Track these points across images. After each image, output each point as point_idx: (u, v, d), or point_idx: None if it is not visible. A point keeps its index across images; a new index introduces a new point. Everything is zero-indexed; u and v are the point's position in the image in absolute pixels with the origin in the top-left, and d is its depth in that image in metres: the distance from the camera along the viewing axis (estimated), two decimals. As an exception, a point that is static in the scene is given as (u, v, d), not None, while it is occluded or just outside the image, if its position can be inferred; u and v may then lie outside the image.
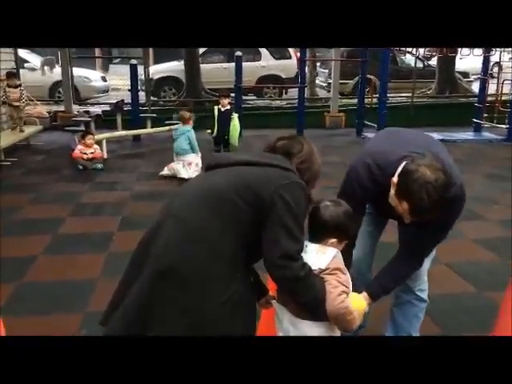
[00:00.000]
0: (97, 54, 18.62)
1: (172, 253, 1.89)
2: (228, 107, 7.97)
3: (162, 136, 9.84)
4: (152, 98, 12.83)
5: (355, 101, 12.48)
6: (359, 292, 2.44)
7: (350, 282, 2.16)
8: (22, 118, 9.38)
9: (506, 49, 12.34)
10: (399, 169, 2.25)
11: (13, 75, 9.23)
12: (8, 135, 8.94)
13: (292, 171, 2.04)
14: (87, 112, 10.71)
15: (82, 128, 9.47)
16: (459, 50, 13.09)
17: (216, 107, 7.92)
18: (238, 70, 10.77)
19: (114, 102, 11.46)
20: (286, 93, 16.54)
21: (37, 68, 13.71)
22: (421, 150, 2.38)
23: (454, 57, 14.83)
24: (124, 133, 9.96)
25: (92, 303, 3.73)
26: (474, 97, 13.09)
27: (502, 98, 11.52)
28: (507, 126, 10.76)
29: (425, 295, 2.89)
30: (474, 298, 3.98)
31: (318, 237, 2.15)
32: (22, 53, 13.36)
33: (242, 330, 1.93)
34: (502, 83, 11.49)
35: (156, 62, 18.69)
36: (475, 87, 14.96)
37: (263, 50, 16.16)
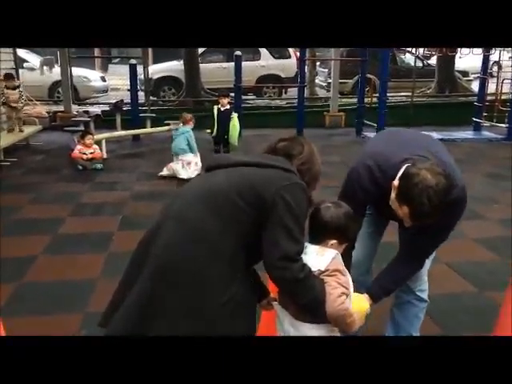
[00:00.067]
0: (96, 54, 18.63)
1: (172, 253, 1.89)
2: (227, 107, 7.96)
3: (162, 136, 9.83)
4: (151, 97, 12.82)
5: (355, 100, 12.47)
6: (360, 293, 2.44)
7: (351, 284, 2.16)
8: (21, 119, 9.37)
9: (506, 48, 12.33)
10: (400, 172, 2.25)
11: (11, 77, 9.19)
12: (7, 136, 8.93)
13: (293, 172, 2.03)
14: (86, 112, 10.71)
15: (82, 128, 9.45)
16: (459, 49, 13.09)
17: (215, 107, 7.91)
18: (238, 70, 10.76)
19: (114, 101, 11.46)
20: (285, 92, 16.55)
21: (36, 68, 13.69)
22: (422, 152, 2.37)
23: (454, 56, 14.84)
24: (123, 133, 9.96)
25: (92, 303, 3.72)
26: (474, 96, 13.09)
27: (502, 97, 11.52)
28: (507, 125, 10.76)
29: (425, 295, 2.88)
30: (474, 297, 3.98)
31: (318, 238, 2.14)
32: (21, 52, 13.35)
33: (242, 331, 1.93)
34: (502, 82, 11.49)
35: (155, 61, 18.67)
36: (475, 86, 14.95)
37: (263, 50, 16.15)
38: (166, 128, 9.52)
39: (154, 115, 10.95)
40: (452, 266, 4.42)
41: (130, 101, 10.87)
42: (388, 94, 11.01)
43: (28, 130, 9.62)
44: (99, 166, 7.96)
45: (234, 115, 7.93)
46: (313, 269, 2.00)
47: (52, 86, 14.58)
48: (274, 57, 16.35)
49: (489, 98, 12.05)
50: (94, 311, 3.34)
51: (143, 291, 1.89)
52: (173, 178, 7.31)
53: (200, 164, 7.45)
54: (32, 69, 13.88)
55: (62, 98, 12.29)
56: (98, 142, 8.46)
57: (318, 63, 17.23)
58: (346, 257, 2.25)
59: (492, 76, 13.13)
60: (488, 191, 6.82)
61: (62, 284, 4.09)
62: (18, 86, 9.22)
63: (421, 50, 14.24)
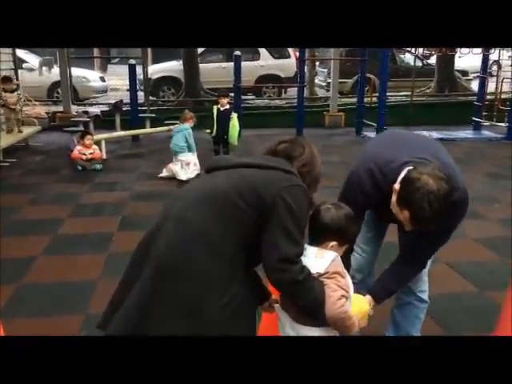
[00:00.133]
0: (95, 54, 18.63)
1: (173, 254, 1.89)
2: (227, 107, 7.94)
3: (161, 136, 9.83)
4: (151, 97, 12.83)
5: (354, 100, 12.47)
6: (363, 295, 2.44)
7: (351, 286, 2.15)
8: (20, 120, 9.36)
9: (506, 47, 12.34)
10: (401, 175, 2.24)
11: (8, 79, 9.14)
12: (6, 136, 8.92)
13: (294, 174, 2.03)
14: (86, 112, 10.69)
15: (81, 128, 9.45)
16: (458, 48, 13.09)
17: (215, 107, 7.89)
18: (237, 70, 10.77)
19: (113, 102, 11.46)
20: (285, 92, 16.55)
21: (35, 68, 13.68)
22: (423, 154, 2.36)
23: (453, 55, 14.86)
24: (123, 133, 9.95)
25: (92, 304, 3.71)
26: (474, 95, 13.10)
27: (502, 97, 11.52)
28: (507, 125, 10.76)
29: (425, 296, 2.88)
30: (475, 297, 3.97)
31: (318, 240, 2.13)
32: (21, 53, 13.34)
33: (242, 333, 1.92)
34: (502, 81, 11.49)
35: (154, 61, 18.66)
36: (474, 86, 14.96)
37: (262, 50, 16.14)
38: (166, 128, 9.52)
39: (153, 115, 10.96)
40: (452, 266, 4.42)
41: (129, 101, 10.87)
42: (388, 94, 11.02)
43: (27, 130, 9.61)
44: (99, 166, 7.95)
45: (234, 115, 7.92)
46: (312, 271, 1.99)
47: (51, 87, 14.56)
48: (273, 57, 16.35)
49: (488, 97, 12.06)
50: (94, 312, 3.34)
51: (143, 292, 1.89)
52: (172, 178, 7.31)
53: (199, 164, 7.44)
54: (31, 69, 13.88)
55: (62, 99, 12.29)
56: (98, 143, 8.45)
57: (317, 63, 17.24)
58: (345, 259, 2.25)
59: (492, 75, 13.13)
60: (488, 191, 6.82)
61: (62, 285, 4.09)
62: (16, 89, 9.19)
63: (420, 50, 14.24)
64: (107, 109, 11.63)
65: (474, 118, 11.56)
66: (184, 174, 7.26)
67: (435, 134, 10.73)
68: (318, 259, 2.06)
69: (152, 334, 1.84)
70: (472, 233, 5.09)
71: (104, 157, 8.53)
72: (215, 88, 13.57)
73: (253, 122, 10.96)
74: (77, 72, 13.81)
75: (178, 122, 8.17)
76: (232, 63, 11.29)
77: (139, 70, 11.71)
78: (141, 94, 11.99)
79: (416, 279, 2.75)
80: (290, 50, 16.24)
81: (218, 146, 7.95)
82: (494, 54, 12.29)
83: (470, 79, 17.68)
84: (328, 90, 14.35)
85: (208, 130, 7.99)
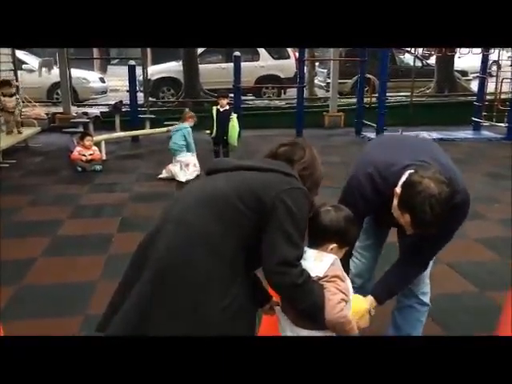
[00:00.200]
0: (95, 55, 18.63)
1: (173, 256, 1.88)
2: (227, 107, 7.93)
3: (161, 137, 9.82)
4: (150, 98, 12.83)
5: (354, 100, 12.48)
6: (364, 296, 2.43)
7: (350, 290, 2.15)
8: (19, 122, 9.34)
9: (505, 47, 12.34)
10: (402, 178, 2.23)
11: (7, 83, 9.12)
12: (6, 137, 8.92)
13: (294, 177, 2.02)
14: (85, 113, 10.69)
15: (81, 129, 9.44)
16: (458, 48, 13.09)
17: (214, 107, 7.88)
18: (237, 70, 10.77)
19: (113, 103, 11.46)
20: (284, 93, 16.55)
21: (35, 69, 13.67)
22: (423, 157, 2.36)
23: (453, 56, 14.86)
24: (123, 134, 9.95)
25: (92, 306, 3.71)
26: (473, 95, 13.10)
27: (501, 97, 11.52)
28: (506, 125, 10.76)
29: (427, 299, 2.86)
30: (475, 297, 3.97)
31: (317, 242, 2.12)
32: (20, 54, 13.34)
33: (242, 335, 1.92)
34: (501, 82, 11.49)
35: (154, 62, 18.66)
36: (474, 86, 14.96)
37: (262, 50, 16.15)
38: (165, 129, 9.51)
39: (153, 116, 10.95)
40: (452, 266, 4.42)
41: (129, 102, 10.86)
42: (387, 94, 11.01)
43: (27, 131, 9.61)
44: (98, 167, 7.95)
45: (234, 116, 7.91)
46: (311, 274, 1.98)
47: (51, 88, 14.55)
48: (273, 57, 16.34)
49: (488, 97, 12.05)
50: (94, 313, 3.33)
51: (143, 294, 1.88)
52: (172, 179, 7.30)
53: (198, 165, 7.44)
54: (31, 70, 13.86)
55: (61, 100, 12.30)
56: (98, 144, 8.45)
57: (317, 63, 17.24)
58: (345, 263, 2.24)
59: (491, 75, 13.12)
60: (488, 191, 6.81)
61: (62, 286, 4.08)
62: (15, 94, 9.18)
63: (420, 50, 14.24)
64: (107, 110, 11.62)
65: (473, 119, 11.55)
66: (183, 175, 7.26)
67: (435, 135, 10.73)
68: (317, 262, 2.05)
69: (152, 335, 1.84)
70: (472, 233, 5.09)
71: (104, 158, 8.54)
72: (215, 89, 13.54)
73: (252, 123, 10.94)
74: (76, 73, 13.81)
75: (177, 122, 8.17)
76: (231, 64, 11.28)
77: (139, 70, 11.70)
78: (140, 95, 11.98)
79: (417, 281, 2.74)
80: (290, 50, 16.24)
81: (217, 146, 7.94)
82: (494, 55, 12.28)
83: (470, 79, 17.67)
84: (328, 91, 14.34)
85: (208, 131, 7.98)
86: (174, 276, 1.86)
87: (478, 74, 12.33)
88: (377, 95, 10.98)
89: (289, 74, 15.91)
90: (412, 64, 13.90)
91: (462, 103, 13.44)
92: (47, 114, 11.41)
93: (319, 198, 2.22)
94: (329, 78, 14.06)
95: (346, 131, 11.54)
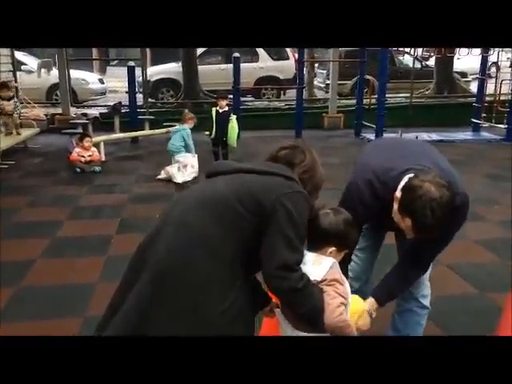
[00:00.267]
0: (94, 56, 18.62)
1: (173, 258, 1.87)
2: (226, 108, 7.93)
3: (160, 138, 9.81)
4: (150, 99, 12.82)
5: (354, 101, 12.48)
6: (365, 298, 2.43)
7: (349, 293, 2.14)
8: (18, 124, 9.32)
9: (504, 49, 12.34)
10: (402, 183, 2.23)
11: (5, 86, 9.09)
12: (5, 138, 8.90)
13: (295, 181, 2.01)
14: (85, 114, 10.68)
15: (80, 130, 9.44)
16: (457, 50, 13.10)
17: (214, 109, 7.88)
18: (236, 72, 10.76)
19: (112, 104, 11.45)
20: (284, 94, 16.55)
21: (34, 70, 13.67)
22: (422, 161, 2.36)
23: (452, 57, 14.86)
24: (122, 135, 9.94)
25: (91, 307, 3.70)
26: (473, 97, 13.11)
27: (501, 98, 11.53)
28: (506, 126, 10.76)
29: (427, 301, 2.85)
30: (475, 299, 3.96)
31: (316, 245, 2.11)
32: (19, 55, 13.34)
33: None
34: (501, 83, 11.49)
35: (153, 63, 18.66)
36: (473, 87, 14.96)
37: (261, 51, 16.15)
38: (165, 130, 9.51)
39: (152, 117, 10.94)
40: (452, 268, 4.41)
41: (128, 103, 10.85)
42: (387, 95, 11.01)
43: (26, 132, 9.60)
44: (97, 168, 7.95)
45: (233, 117, 7.91)
46: (310, 278, 1.97)
47: (50, 89, 14.55)
48: (272, 58, 16.34)
49: (487, 98, 12.06)
50: (93, 315, 3.32)
51: (143, 295, 1.88)
52: (170, 180, 7.30)
53: (197, 166, 7.44)
54: (30, 71, 13.86)
55: (60, 101, 12.28)
56: (97, 145, 8.44)
57: (316, 64, 17.24)
58: (343, 266, 2.23)
59: (490, 77, 13.13)
60: (488, 192, 6.81)
61: (61, 288, 4.07)
62: (13, 97, 9.16)
63: (419, 51, 14.24)
64: (106, 111, 11.62)
65: (473, 120, 11.56)
66: (181, 176, 7.25)
67: (434, 136, 10.75)
68: (316, 266, 2.04)
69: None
70: (472, 234, 5.08)
71: (103, 159, 8.53)
72: (214, 90, 13.54)
73: (252, 124, 10.95)
74: (76, 74, 13.79)
75: (177, 124, 8.16)
76: (231, 65, 11.28)
77: (138, 72, 11.68)
78: (140, 96, 11.96)
79: (417, 283, 2.73)
80: (289, 51, 16.25)
81: (217, 147, 7.94)
82: (493, 56, 12.28)
83: (469, 81, 17.68)
84: (327, 92, 14.35)
85: (207, 132, 7.97)
86: (173, 277, 1.85)
87: (477, 76, 12.34)
88: (376, 96, 10.98)
89: (288, 75, 15.91)
90: (411, 65, 13.90)
91: (461, 104, 13.44)
92: (46, 115, 11.41)
93: (319, 200, 2.21)
94: (328, 79, 14.07)
95: (346, 132, 11.53)
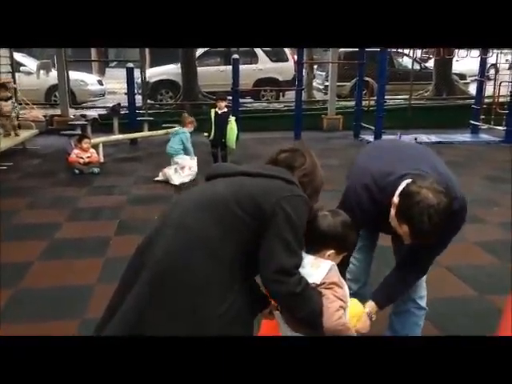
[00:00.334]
0: (93, 58, 18.61)
1: (172, 259, 1.87)
2: (225, 110, 7.93)
3: (159, 139, 9.80)
4: (149, 101, 12.81)
5: (353, 103, 12.49)
6: (365, 302, 2.42)
7: (348, 296, 2.13)
8: (16, 126, 9.30)
9: (503, 51, 12.37)
10: (400, 188, 2.22)
11: (3, 87, 9.06)
12: (3, 140, 8.87)
13: (295, 184, 2.00)
14: (83, 116, 10.67)
15: (79, 132, 9.42)
16: (456, 52, 13.12)
17: (213, 110, 7.88)
18: (235, 73, 10.76)
19: (111, 105, 11.44)
20: (283, 95, 16.56)
21: (33, 72, 13.66)
22: (420, 166, 2.36)
23: (451, 59, 14.88)
24: (121, 136, 9.93)
25: (90, 309, 3.69)
26: (471, 99, 13.12)
27: (499, 100, 11.54)
28: (504, 128, 10.77)
29: (424, 302, 2.86)
30: (474, 301, 3.95)
31: (315, 248, 2.10)
32: (18, 56, 13.33)
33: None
34: (499, 85, 11.50)
35: (152, 65, 18.67)
36: (472, 89, 14.97)
37: (260, 53, 16.17)
38: (164, 131, 9.51)
39: (151, 119, 10.94)
40: (452, 270, 4.40)
41: (127, 104, 10.84)
42: (386, 97, 11.02)
43: (24, 133, 9.58)
44: (96, 170, 7.93)
45: (232, 118, 7.91)
46: (308, 281, 1.96)
47: (49, 90, 14.54)
48: (271, 60, 16.36)
49: (486, 100, 12.06)
50: (91, 317, 3.30)
51: (141, 296, 1.87)
52: (168, 182, 7.29)
53: (195, 168, 7.43)
54: (29, 73, 13.86)
55: (59, 102, 12.27)
56: (95, 146, 8.43)
57: (315, 66, 17.25)
58: (342, 269, 2.22)
59: (489, 79, 13.14)
60: (487, 194, 6.80)
61: (60, 290, 4.06)
62: (11, 97, 9.14)
63: (418, 53, 14.26)
64: (105, 112, 11.62)
65: (471, 122, 11.57)
66: (177, 178, 7.24)
67: (433, 138, 10.76)
68: (315, 269, 2.03)
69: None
70: (471, 236, 5.07)
71: (101, 160, 8.51)
72: (213, 91, 13.55)
73: (251, 126, 10.95)
74: (74, 75, 13.79)
75: (176, 125, 8.15)
76: (230, 66, 11.27)
77: (137, 73, 11.68)
78: (139, 98, 11.95)
79: (415, 285, 2.73)
80: (288, 53, 16.26)
81: (215, 149, 7.94)
82: (492, 58, 12.30)
83: (468, 83, 17.70)
84: (326, 94, 14.35)
85: (206, 134, 7.97)
86: (172, 279, 1.84)
87: (476, 77, 12.35)
88: (375, 98, 10.99)
89: (287, 77, 15.91)
90: (410, 67, 13.92)
91: (460, 106, 13.45)
92: (45, 117, 11.40)
93: (318, 202, 2.20)
94: (327, 80, 14.07)
95: (345, 134, 11.53)
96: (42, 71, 13.01)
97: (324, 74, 16.50)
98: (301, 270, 1.96)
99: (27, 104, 10.88)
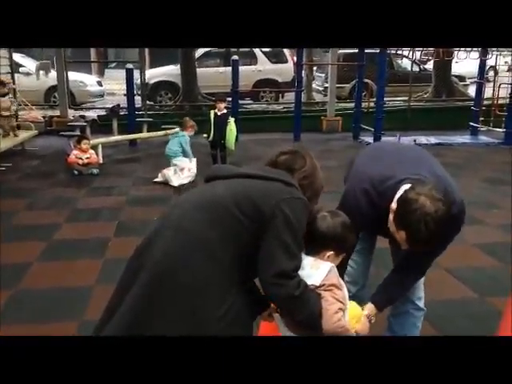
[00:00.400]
0: (92, 58, 18.60)
1: (171, 260, 1.86)
2: (224, 111, 7.93)
3: (158, 140, 9.80)
4: (148, 102, 12.81)
5: (352, 105, 12.49)
6: (364, 304, 2.42)
7: (347, 297, 2.12)
8: (14, 127, 9.28)
9: (502, 52, 12.39)
10: (398, 193, 2.22)
11: (1, 83, 9.03)
12: (2, 140, 8.86)
13: (295, 187, 1.99)
14: (83, 117, 10.68)
15: (78, 133, 9.42)
16: (455, 53, 13.13)
17: (212, 111, 7.88)
18: (235, 74, 10.76)
19: (110, 106, 11.43)
20: (282, 97, 16.55)
21: (32, 72, 13.65)
22: (419, 170, 2.35)
23: (450, 61, 14.88)
24: (120, 137, 9.93)
25: (88, 310, 3.68)
26: (471, 100, 13.13)
27: (499, 102, 11.55)
28: (504, 130, 10.78)
29: (422, 303, 2.85)
30: (474, 303, 3.95)
31: (314, 249, 2.09)
32: (17, 57, 13.32)
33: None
34: (499, 87, 11.52)
35: (152, 66, 18.67)
36: (471, 91, 14.98)
37: (259, 54, 16.16)
38: (163, 133, 9.50)
39: (150, 120, 10.94)
40: (451, 272, 4.40)
41: (126, 105, 10.84)
42: (385, 99, 11.03)
43: (23, 134, 9.57)
44: (95, 171, 7.93)
45: (231, 120, 7.91)
46: (307, 283, 1.95)
47: (48, 91, 14.52)
48: (270, 61, 16.35)
49: (485, 102, 12.08)
50: (90, 318, 3.29)
51: (140, 298, 1.86)
52: (167, 183, 7.28)
53: (194, 170, 7.43)
54: (28, 73, 13.84)
55: (58, 103, 12.27)
56: (95, 147, 8.42)
57: (314, 68, 17.25)
58: (341, 271, 2.22)
59: (488, 81, 13.15)
60: (487, 196, 6.80)
61: (58, 291, 4.05)
62: (8, 93, 9.12)
63: (417, 55, 14.27)
64: (104, 113, 11.61)
65: (471, 123, 11.58)
66: (176, 179, 7.24)
67: (433, 139, 10.76)
68: (314, 270, 2.02)
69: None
70: (471, 238, 5.07)
71: (101, 161, 8.51)
72: (213, 92, 13.53)
73: (250, 127, 10.95)
74: (74, 76, 13.78)
75: (175, 126, 8.15)
76: (229, 68, 11.28)
77: (136, 74, 11.67)
78: (138, 99, 11.95)
79: (413, 288, 2.72)
80: (288, 54, 16.26)
81: (215, 150, 7.93)
82: (491, 60, 12.31)
83: (467, 84, 17.70)
84: (325, 95, 14.35)
85: (205, 135, 7.97)
86: (171, 280, 1.84)
87: (475, 79, 12.36)
88: (375, 100, 10.99)
89: (287, 78, 15.90)
90: (410, 69, 13.92)
91: (459, 108, 13.45)
92: (44, 117, 11.39)
93: (318, 202, 2.20)
94: (327, 82, 14.06)
95: (344, 136, 11.53)
96: (41, 72, 12.99)
97: (323, 75, 16.49)
98: (300, 271, 1.95)
99: (26, 105, 10.87)
